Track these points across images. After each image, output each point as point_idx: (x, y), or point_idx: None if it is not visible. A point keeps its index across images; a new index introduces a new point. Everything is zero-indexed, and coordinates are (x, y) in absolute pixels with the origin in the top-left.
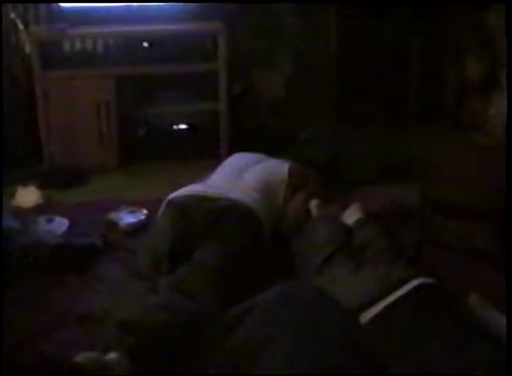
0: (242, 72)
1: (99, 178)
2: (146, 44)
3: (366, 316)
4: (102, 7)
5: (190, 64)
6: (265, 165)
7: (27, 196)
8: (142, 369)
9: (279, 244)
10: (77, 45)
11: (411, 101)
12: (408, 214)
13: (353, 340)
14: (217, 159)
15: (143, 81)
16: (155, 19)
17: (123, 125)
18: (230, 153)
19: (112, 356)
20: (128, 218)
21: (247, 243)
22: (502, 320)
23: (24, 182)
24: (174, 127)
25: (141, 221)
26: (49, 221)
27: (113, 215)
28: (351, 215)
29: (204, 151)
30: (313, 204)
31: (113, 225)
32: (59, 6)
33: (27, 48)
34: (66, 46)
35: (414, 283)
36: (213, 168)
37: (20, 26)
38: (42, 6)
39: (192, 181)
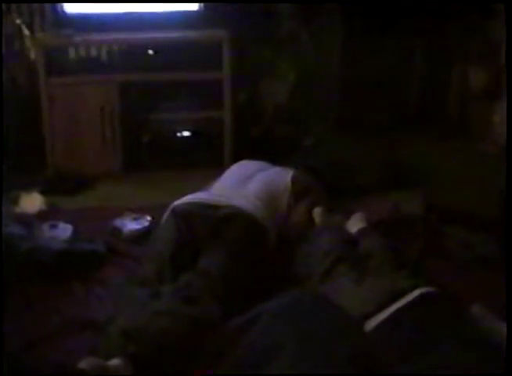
0: (246, 80)
1: (103, 185)
2: (150, 51)
3: (370, 325)
4: (107, 14)
5: (195, 72)
6: (268, 173)
7: (31, 202)
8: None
9: (281, 252)
10: (82, 52)
11: (415, 109)
12: (411, 222)
13: (360, 348)
14: (221, 167)
15: (148, 88)
16: (160, 26)
17: (127, 132)
18: (234, 161)
19: (115, 362)
20: (131, 224)
21: (251, 250)
22: (504, 330)
23: (28, 188)
24: (179, 134)
25: (145, 228)
26: (53, 227)
27: (116, 222)
28: (355, 224)
29: (208, 159)
30: (317, 212)
31: (117, 231)
32: (65, 13)
33: (32, 55)
34: (71, 53)
35: (418, 292)
36: (217, 176)
37: (26, 32)
38: (48, 13)
39: (195, 188)
